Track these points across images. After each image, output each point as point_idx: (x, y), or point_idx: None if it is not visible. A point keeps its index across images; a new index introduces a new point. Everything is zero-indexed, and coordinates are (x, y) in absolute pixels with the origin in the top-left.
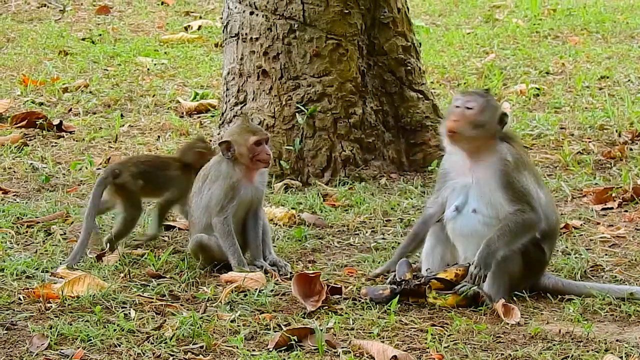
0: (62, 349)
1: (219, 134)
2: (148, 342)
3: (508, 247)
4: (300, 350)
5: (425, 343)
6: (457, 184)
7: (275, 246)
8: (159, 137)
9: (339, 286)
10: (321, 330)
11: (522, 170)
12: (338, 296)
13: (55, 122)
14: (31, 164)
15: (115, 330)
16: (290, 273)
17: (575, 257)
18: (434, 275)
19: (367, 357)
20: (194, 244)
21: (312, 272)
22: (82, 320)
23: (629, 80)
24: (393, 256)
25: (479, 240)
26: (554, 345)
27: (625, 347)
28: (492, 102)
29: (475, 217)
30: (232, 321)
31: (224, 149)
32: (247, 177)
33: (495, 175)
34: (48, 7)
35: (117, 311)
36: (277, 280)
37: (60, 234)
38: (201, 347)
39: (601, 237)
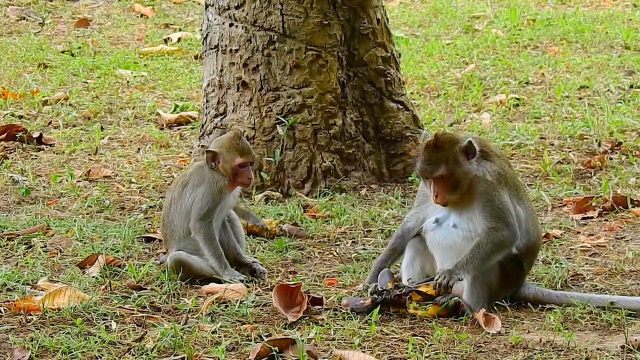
0: None
1: (198, 145)
2: (129, 353)
3: (479, 268)
4: None
5: (407, 353)
6: None
7: (256, 257)
8: (139, 149)
9: (320, 297)
10: (302, 340)
11: (503, 186)
12: (319, 307)
13: (35, 135)
14: (11, 176)
15: (96, 342)
16: (264, 273)
17: (556, 267)
18: (415, 288)
19: None
20: (173, 260)
21: (293, 282)
22: (63, 333)
23: (608, 90)
24: (371, 270)
25: (456, 253)
26: (534, 354)
27: (606, 356)
28: (451, 153)
29: (455, 231)
30: (213, 332)
31: (209, 158)
32: (230, 186)
33: (476, 196)
34: (27, 20)
35: (98, 323)
36: (262, 281)
37: (41, 247)
38: (182, 358)
39: (581, 247)
